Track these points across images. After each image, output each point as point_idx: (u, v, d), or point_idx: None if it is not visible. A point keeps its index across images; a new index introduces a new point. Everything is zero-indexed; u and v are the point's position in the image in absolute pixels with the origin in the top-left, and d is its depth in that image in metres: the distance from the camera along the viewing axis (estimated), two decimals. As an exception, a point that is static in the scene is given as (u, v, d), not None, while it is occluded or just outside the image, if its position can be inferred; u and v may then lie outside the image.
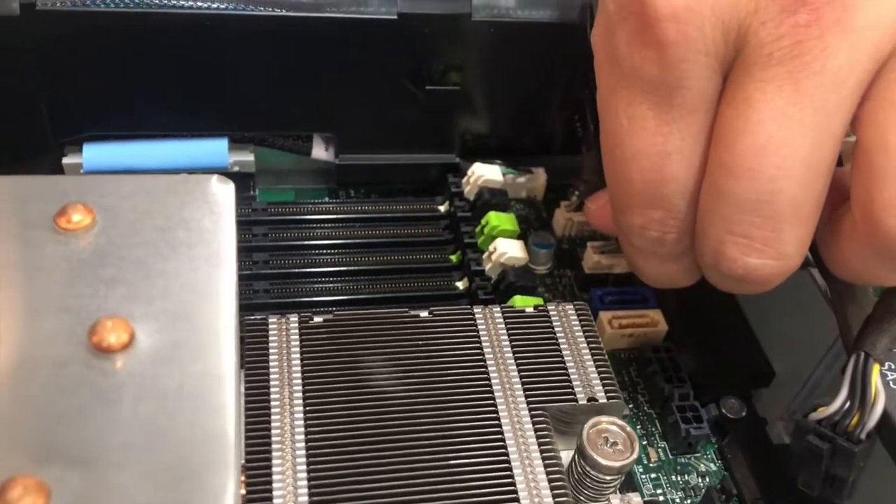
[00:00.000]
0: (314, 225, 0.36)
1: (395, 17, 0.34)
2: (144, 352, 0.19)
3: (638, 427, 0.33)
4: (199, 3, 0.32)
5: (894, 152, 0.21)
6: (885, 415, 0.26)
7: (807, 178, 0.23)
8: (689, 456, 0.32)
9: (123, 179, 0.23)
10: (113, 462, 0.17)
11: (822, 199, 0.24)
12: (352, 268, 0.35)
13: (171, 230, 0.22)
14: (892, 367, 0.26)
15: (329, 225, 0.36)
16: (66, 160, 0.35)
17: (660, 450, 0.32)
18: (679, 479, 0.31)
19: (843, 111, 0.22)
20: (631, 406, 0.33)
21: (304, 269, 0.35)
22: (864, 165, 0.22)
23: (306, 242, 0.36)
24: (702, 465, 0.32)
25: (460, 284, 0.35)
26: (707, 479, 0.31)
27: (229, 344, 0.20)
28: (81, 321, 0.19)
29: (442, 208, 0.38)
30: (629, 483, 0.30)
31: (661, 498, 0.31)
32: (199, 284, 0.21)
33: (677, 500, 0.31)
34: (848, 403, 0.26)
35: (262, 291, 0.34)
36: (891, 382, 0.26)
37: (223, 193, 0.23)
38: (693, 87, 0.24)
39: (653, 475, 0.31)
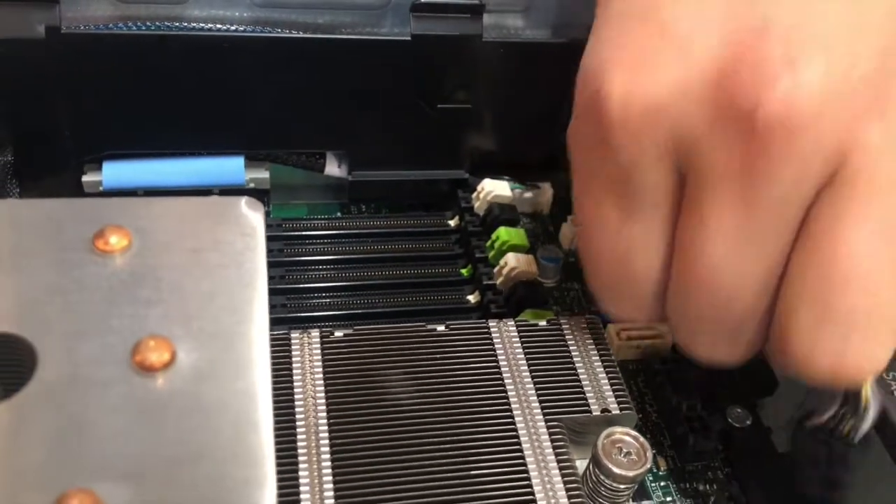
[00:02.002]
0: (328, 240, 0.37)
1: (409, 38, 0.34)
2: (184, 370, 0.20)
3: (647, 436, 0.34)
4: (219, 26, 0.33)
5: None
6: (890, 424, 0.27)
7: (760, 290, 0.24)
8: (696, 464, 0.33)
9: (155, 202, 0.24)
10: (160, 477, 0.18)
11: (774, 298, 0.25)
12: (365, 282, 0.36)
13: (203, 252, 0.23)
14: (896, 377, 0.27)
15: (342, 240, 0.37)
16: (85, 178, 0.36)
17: (668, 458, 0.33)
18: (688, 486, 0.32)
19: (790, 228, 0.23)
20: (640, 416, 0.34)
21: (318, 284, 0.36)
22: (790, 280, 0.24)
23: (321, 257, 0.37)
24: (709, 473, 0.33)
25: (472, 298, 0.36)
26: (715, 486, 0.32)
27: (264, 361, 0.21)
28: (123, 341, 0.20)
29: (452, 223, 0.39)
30: (641, 491, 0.31)
31: (671, 505, 0.32)
32: (233, 304, 0.22)
33: (686, 508, 0.32)
34: (842, 411, 0.27)
35: (279, 306, 0.34)
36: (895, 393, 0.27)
37: (253, 215, 0.24)
38: (649, 188, 0.24)
39: (662, 483, 0.32)
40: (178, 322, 0.21)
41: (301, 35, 0.34)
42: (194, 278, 0.22)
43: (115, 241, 0.22)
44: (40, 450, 0.18)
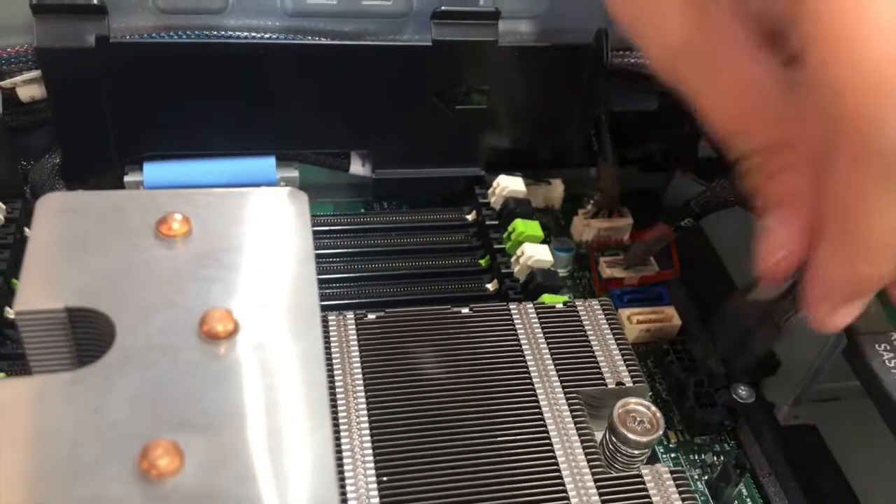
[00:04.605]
0: (354, 234, 0.40)
1: (430, 43, 0.37)
2: (247, 337, 0.22)
3: (657, 412, 0.36)
4: (253, 34, 0.36)
5: None
6: (886, 394, 0.29)
7: None
8: (704, 437, 0.35)
9: (210, 193, 0.26)
10: (231, 430, 0.20)
11: None
12: (390, 272, 0.38)
13: (257, 235, 0.25)
14: (888, 347, 0.29)
15: (367, 234, 0.40)
16: (127, 178, 0.38)
17: (678, 432, 0.35)
18: (696, 457, 0.35)
19: None
20: (650, 394, 0.36)
21: (346, 275, 0.38)
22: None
23: (348, 250, 0.39)
24: (716, 445, 0.35)
25: (490, 286, 0.38)
26: (722, 458, 0.35)
27: (317, 330, 0.23)
28: (190, 313, 0.23)
29: (470, 217, 0.41)
30: (653, 458, 0.33)
31: (681, 475, 0.34)
32: (286, 281, 0.24)
33: (696, 476, 0.34)
34: (790, 295, 0.29)
35: (311, 295, 0.37)
36: (885, 360, 0.29)
37: (298, 203, 0.26)
38: None
39: (672, 455, 0.35)
40: (238, 296, 0.23)
41: (329, 42, 0.36)
42: (250, 258, 0.24)
43: (177, 226, 0.25)
44: (126, 406, 0.20)
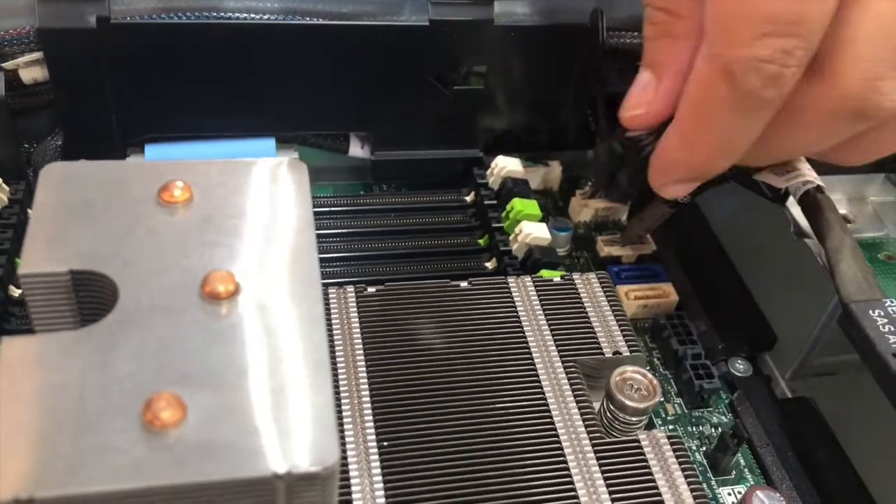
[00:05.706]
0: (354, 215, 0.40)
1: (427, 23, 0.37)
2: (249, 299, 0.23)
3: (655, 386, 0.36)
4: (252, 15, 0.36)
5: None
6: (880, 359, 0.29)
7: None
8: (702, 410, 0.36)
9: (212, 163, 0.27)
10: (233, 386, 0.21)
11: None
12: (390, 252, 0.39)
13: (258, 203, 0.25)
14: (882, 314, 0.30)
15: (368, 215, 0.40)
16: (128, 160, 0.39)
17: (676, 405, 0.36)
18: (694, 429, 0.35)
19: None
20: (648, 369, 0.37)
21: (347, 254, 0.38)
22: None
23: (348, 230, 0.39)
24: (714, 418, 0.35)
25: (489, 265, 0.39)
26: (720, 430, 0.35)
27: (317, 293, 0.23)
28: (193, 276, 0.23)
29: (468, 198, 0.42)
30: (650, 426, 0.34)
31: (679, 446, 0.34)
32: (288, 246, 0.24)
33: (693, 447, 0.34)
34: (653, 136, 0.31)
35: (311, 273, 0.37)
36: (879, 326, 0.29)
37: (297, 173, 0.27)
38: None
39: (670, 427, 0.35)
40: (240, 260, 0.24)
41: (328, 23, 0.37)
42: (251, 225, 0.25)
43: (179, 193, 0.25)
44: (130, 362, 0.21)
